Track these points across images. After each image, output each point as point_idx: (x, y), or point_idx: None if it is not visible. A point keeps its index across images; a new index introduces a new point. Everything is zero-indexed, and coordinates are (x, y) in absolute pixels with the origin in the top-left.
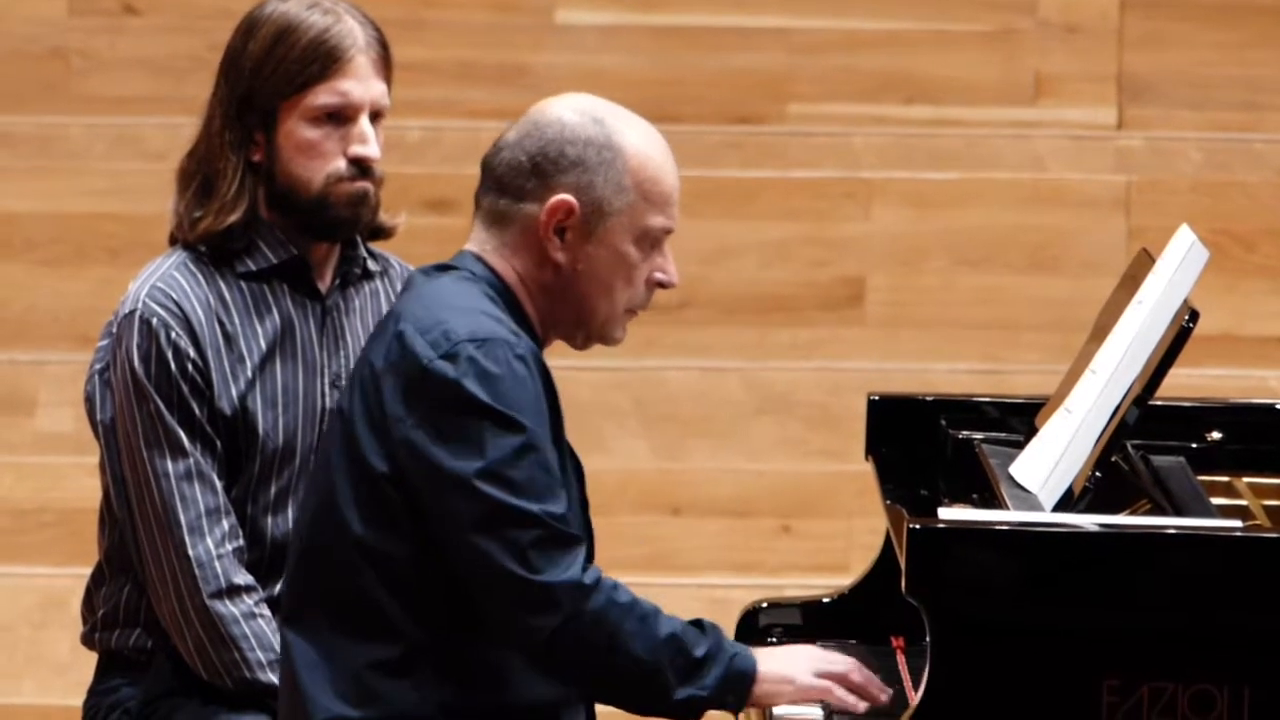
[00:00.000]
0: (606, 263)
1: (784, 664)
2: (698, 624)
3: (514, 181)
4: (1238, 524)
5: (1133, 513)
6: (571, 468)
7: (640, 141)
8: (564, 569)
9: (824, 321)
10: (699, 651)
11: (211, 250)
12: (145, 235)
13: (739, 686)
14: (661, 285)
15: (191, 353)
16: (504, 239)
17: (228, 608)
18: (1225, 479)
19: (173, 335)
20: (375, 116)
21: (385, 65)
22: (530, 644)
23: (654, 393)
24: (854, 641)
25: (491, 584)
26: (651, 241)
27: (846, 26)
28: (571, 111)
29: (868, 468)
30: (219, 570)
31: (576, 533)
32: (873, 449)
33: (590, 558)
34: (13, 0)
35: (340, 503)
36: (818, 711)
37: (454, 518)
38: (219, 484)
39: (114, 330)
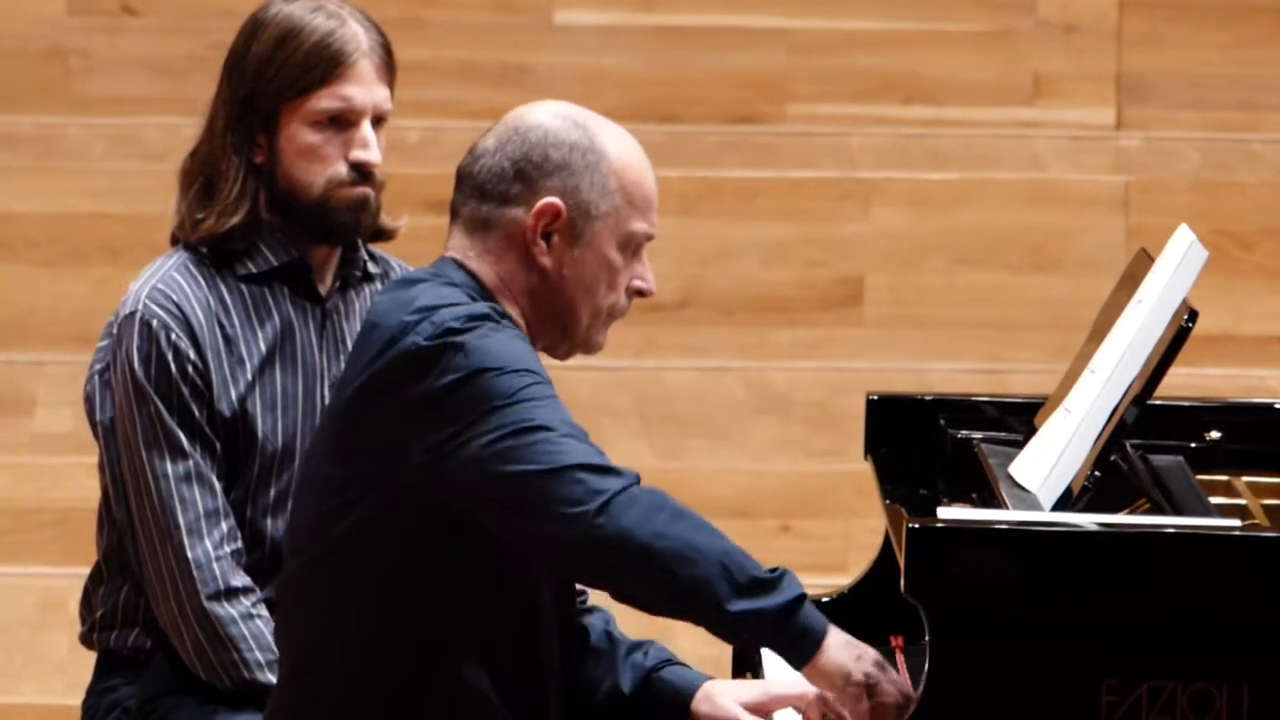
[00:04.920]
0: (591, 267)
1: (847, 652)
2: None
3: (497, 187)
4: (1236, 523)
5: (1132, 512)
6: None
7: (622, 146)
8: (598, 456)
9: (823, 321)
10: (758, 572)
11: (212, 251)
12: (145, 235)
13: (803, 631)
14: (640, 294)
15: (191, 354)
16: (487, 245)
17: (226, 609)
18: (1224, 478)
19: (173, 337)
20: (377, 121)
21: (388, 70)
22: (583, 535)
23: (653, 393)
24: None
25: (529, 496)
26: (634, 248)
27: (845, 26)
28: (552, 116)
29: (867, 467)
30: (217, 572)
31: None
32: (872, 449)
33: None
34: (12, 0)
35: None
36: None
37: (467, 470)
38: (218, 486)
39: (114, 331)
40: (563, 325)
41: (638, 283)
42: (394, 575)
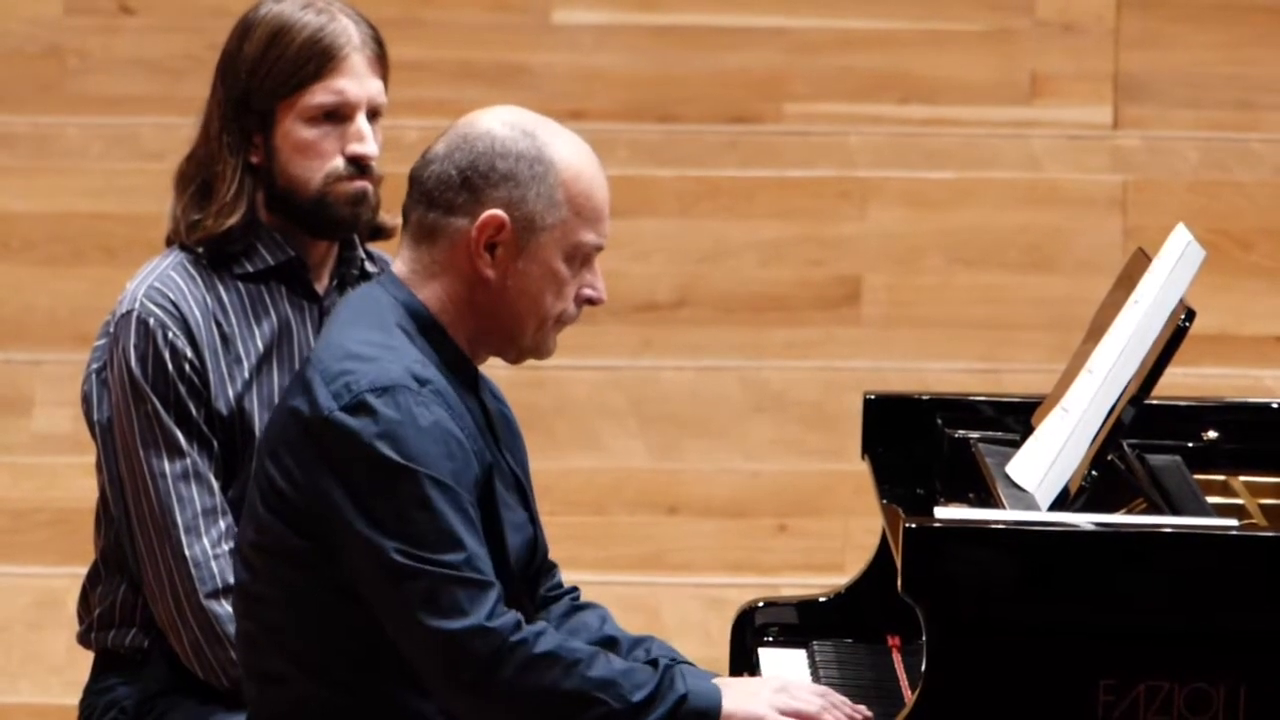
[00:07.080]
0: (537, 279)
1: (750, 701)
2: (652, 663)
3: (443, 195)
4: (1234, 523)
5: (1129, 512)
6: (514, 484)
7: (572, 156)
8: (467, 615)
9: (820, 321)
10: (638, 696)
11: (209, 252)
12: (142, 235)
13: (697, 718)
14: (591, 302)
15: (188, 353)
16: (433, 255)
17: (224, 607)
18: (1221, 478)
19: (170, 335)
20: (373, 115)
21: (381, 63)
22: (456, 696)
23: (650, 392)
24: (850, 640)
25: (404, 635)
26: (582, 258)
27: (842, 26)
28: (502, 124)
29: (864, 467)
30: (215, 570)
31: (483, 578)
32: (869, 448)
33: (541, 568)
34: (9, 0)
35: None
36: None
37: (359, 570)
38: (215, 484)
39: (111, 330)
40: (508, 334)
41: (588, 291)
42: (322, 599)
